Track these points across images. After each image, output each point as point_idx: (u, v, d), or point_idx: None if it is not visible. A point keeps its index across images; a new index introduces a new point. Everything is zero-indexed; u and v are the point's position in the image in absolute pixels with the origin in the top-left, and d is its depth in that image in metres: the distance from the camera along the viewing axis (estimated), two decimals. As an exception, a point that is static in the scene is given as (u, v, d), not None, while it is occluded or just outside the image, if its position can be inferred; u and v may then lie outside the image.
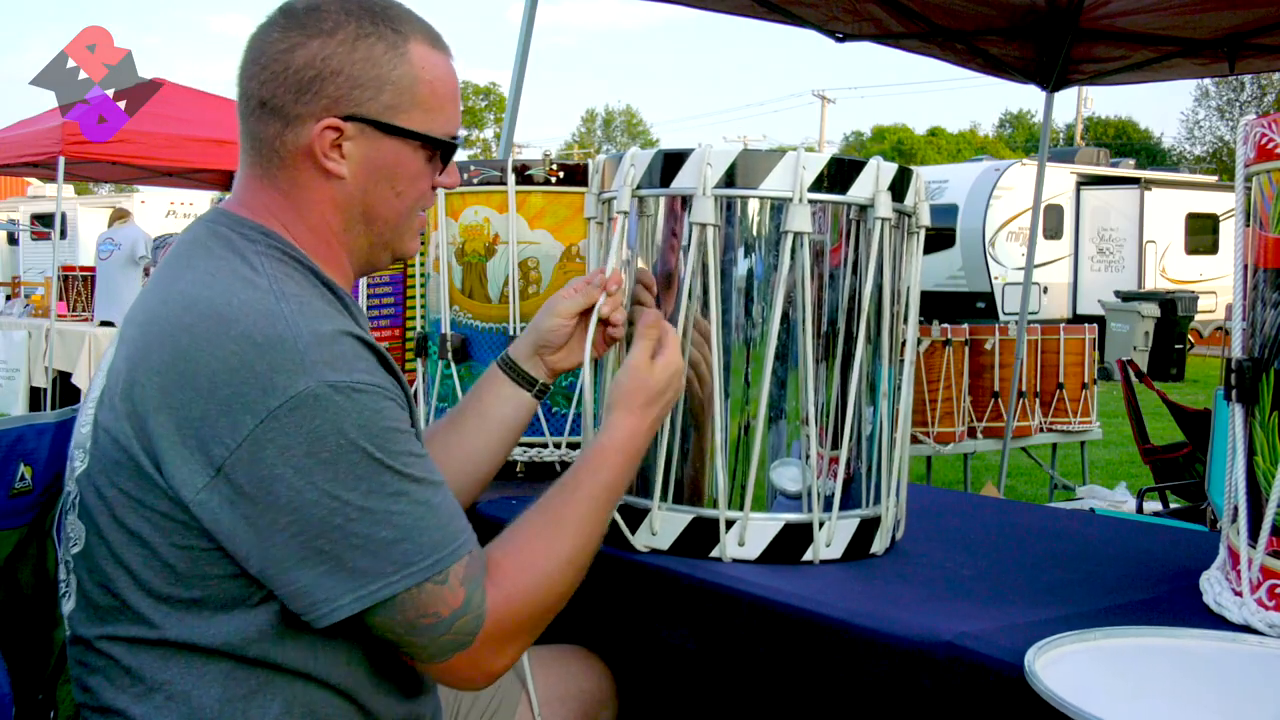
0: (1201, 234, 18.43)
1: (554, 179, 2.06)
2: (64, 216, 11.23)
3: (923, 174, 1.65)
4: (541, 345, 1.58)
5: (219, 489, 1.13)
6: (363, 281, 2.92)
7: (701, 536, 1.56)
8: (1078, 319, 16.00)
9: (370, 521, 1.13)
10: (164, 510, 1.16)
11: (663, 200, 1.58)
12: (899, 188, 1.58)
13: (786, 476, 1.55)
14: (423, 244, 2.41)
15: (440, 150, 1.32)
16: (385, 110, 1.27)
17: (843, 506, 1.57)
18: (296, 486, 1.11)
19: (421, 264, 2.51)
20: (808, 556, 1.55)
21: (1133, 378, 5.77)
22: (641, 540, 1.59)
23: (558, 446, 2.10)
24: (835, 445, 1.56)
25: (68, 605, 1.28)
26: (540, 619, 1.27)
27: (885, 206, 1.54)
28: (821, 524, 1.55)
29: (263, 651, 1.20)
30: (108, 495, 1.19)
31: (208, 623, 1.18)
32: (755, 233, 1.54)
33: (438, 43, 1.32)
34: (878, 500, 1.61)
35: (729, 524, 1.54)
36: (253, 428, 1.11)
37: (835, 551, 1.56)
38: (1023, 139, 53.01)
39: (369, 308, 2.97)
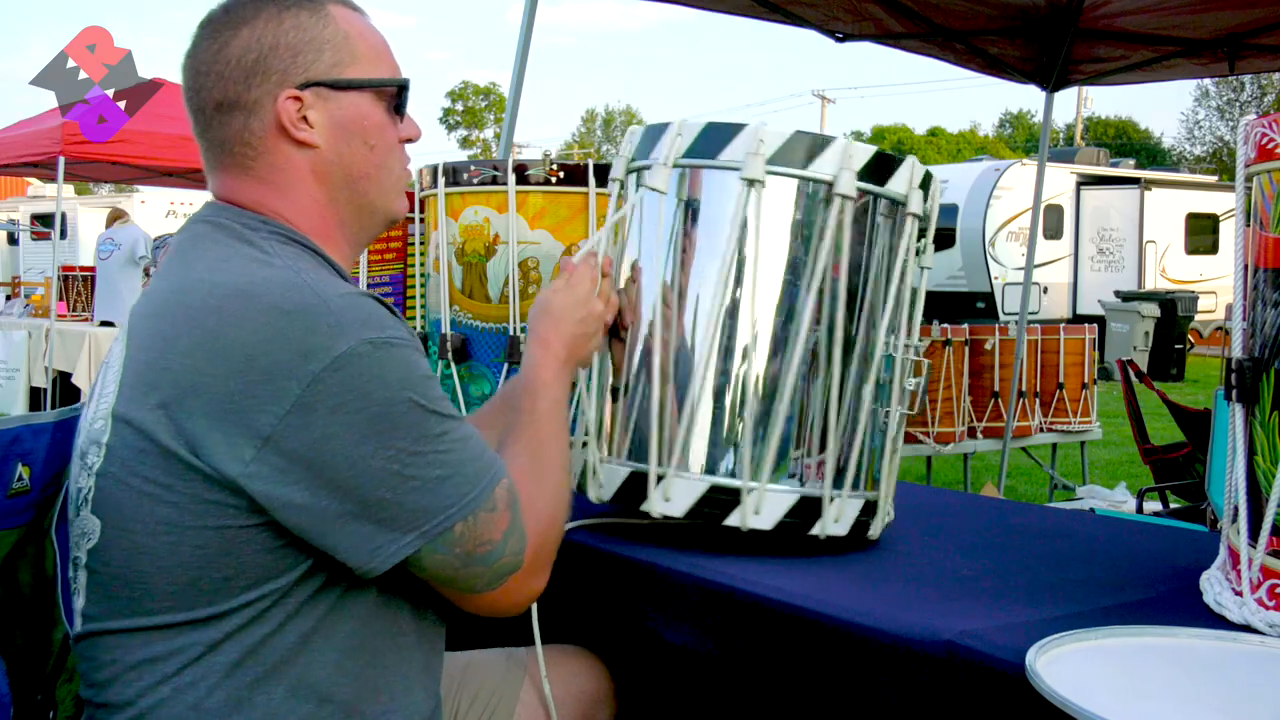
0: (1201, 234, 18.43)
1: (554, 179, 2.06)
2: (64, 216, 11.23)
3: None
4: None
5: (268, 459, 1.15)
6: (362, 282, 2.92)
7: (718, 505, 1.54)
8: (1078, 319, 16.00)
9: (423, 464, 1.19)
10: (196, 493, 1.17)
11: (691, 175, 1.58)
12: (924, 188, 1.62)
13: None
14: (423, 244, 2.40)
15: (395, 94, 1.37)
16: (332, 68, 1.32)
17: (846, 485, 1.58)
18: (351, 442, 1.15)
19: (421, 264, 2.50)
20: (815, 531, 1.56)
21: (1133, 378, 5.76)
22: (656, 508, 1.56)
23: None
24: (825, 429, 1.57)
25: (79, 602, 1.28)
26: (560, 532, 1.36)
27: (917, 203, 1.59)
28: (832, 499, 1.56)
29: (269, 640, 1.21)
30: (132, 485, 1.19)
31: (226, 605, 1.19)
32: (778, 213, 1.55)
33: (351, 4, 1.38)
34: (875, 486, 1.63)
35: (747, 492, 1.54)
36: (299, 393, 1.14)
37: (842, 529, 1.57)
38: (1023, 139, 53.04)
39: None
